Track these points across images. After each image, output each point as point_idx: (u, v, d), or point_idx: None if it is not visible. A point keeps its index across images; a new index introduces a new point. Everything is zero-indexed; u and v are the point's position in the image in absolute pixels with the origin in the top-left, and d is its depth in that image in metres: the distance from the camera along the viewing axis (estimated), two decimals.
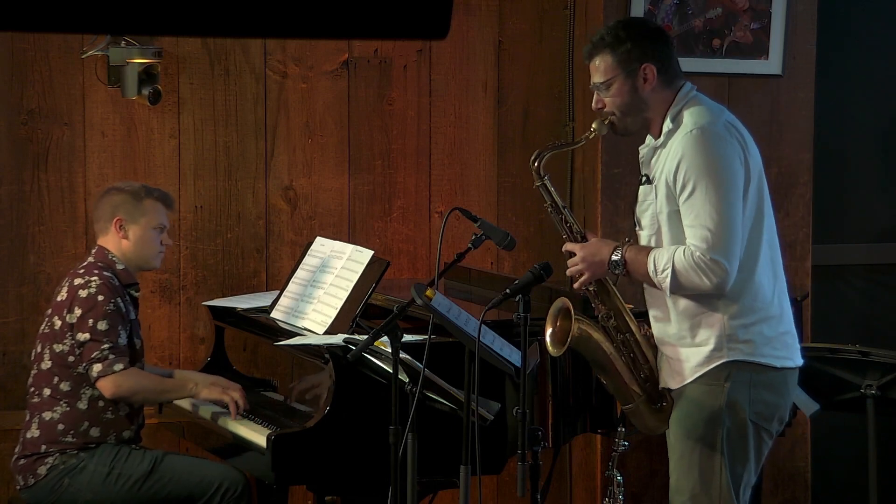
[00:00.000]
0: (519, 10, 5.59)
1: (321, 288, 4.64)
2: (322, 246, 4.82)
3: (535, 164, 3.94)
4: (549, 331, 3.86)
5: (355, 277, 4.52)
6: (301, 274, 4.79)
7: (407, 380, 3.79)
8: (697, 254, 3.71)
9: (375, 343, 3.73)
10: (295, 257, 5.12)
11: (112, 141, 5.25)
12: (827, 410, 4.87)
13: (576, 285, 3.93)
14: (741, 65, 5.46)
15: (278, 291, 4.87)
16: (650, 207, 3.88)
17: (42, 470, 4.48)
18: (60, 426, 4.50)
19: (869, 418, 4.72)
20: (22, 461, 4.53)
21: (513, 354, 3.74)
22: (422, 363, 3.67)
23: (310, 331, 4.50)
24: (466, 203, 5.41)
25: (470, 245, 3.88)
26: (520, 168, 5.63)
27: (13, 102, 5.15)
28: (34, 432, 4.52)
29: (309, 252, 4.85)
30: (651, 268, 3.78)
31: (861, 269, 6.00)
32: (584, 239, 3.93)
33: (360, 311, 4.42)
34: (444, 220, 3.93)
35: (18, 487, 4.56)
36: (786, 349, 3.88)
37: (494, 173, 5.62)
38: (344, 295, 4.51)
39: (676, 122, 3.84)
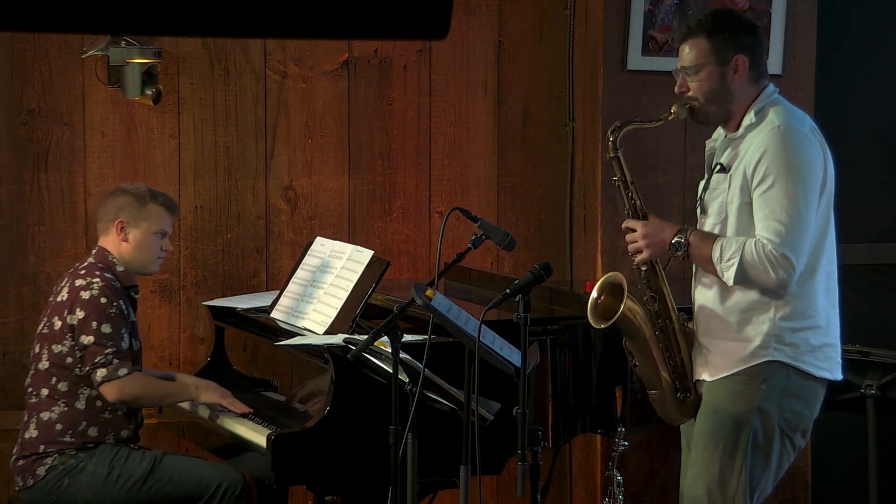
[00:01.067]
0: (519, 10, 5.59)
1: (321, 288, 4.64)
2: (322, 246, 4.82)
3: (612, 137, 3.93)
4: (592, 296, 3.86)
5: (355, 277, 4.52)
6: (301, 274, 4.79)
7: (407, 380, 3.79)
8: (769, 247, 3.72)
9: (375, 343, 3.73)
10: (295, 257, 5.12)
11: (112, 141, 5.25)
12: (827, 410, 4.86)
13: (636, 261, 3.93)
14: None
15: (278, 291, 4.87)
16: (721, 196, 3.89)
17: (41, 470, 4.48)
18: (58, 426, 4.49)
19: (869, 418, 4.72)
20: (21, 462, 4.53)
21: (513, 354, 3.74)
22: (422, 363, 3.67)
23: (310, 331, 4.50)
24: (466, 203, 5.41)
25: (470, 245, 3.88)
26: (520, 168, 5.63)
27: (13, 102, 5.15)
28: (32, 433, 4.52)
29: (309, 252, 4.85)
30: (717, 255, 3.78)
31: (861, 269, 6.00)
32: (645, 217, 3.94)
33: (360, 311, 4.42)
34: (444, 220, 3.93)
35: (18, 488, 4.56)
36: (827, 361, 3.90)
37: (494, 173, 5.62)
38: (344, 295, 4.51)
39: (760, 116, 3.85)
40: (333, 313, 4.49)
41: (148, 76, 5.13)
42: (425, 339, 3.69)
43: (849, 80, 5.89)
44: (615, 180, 3.98)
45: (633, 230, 3.91)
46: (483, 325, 3.63)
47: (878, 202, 5.98)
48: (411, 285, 3.62)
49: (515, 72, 5.61)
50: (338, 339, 4.10)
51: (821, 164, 3.82)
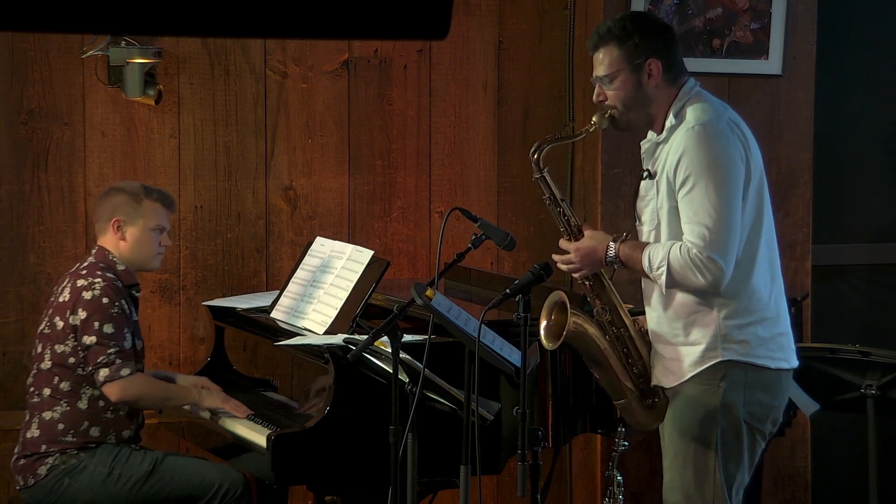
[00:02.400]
0: (519, 10, 5.59)
1: (321, 288, 4.64)
2: (322, 246, 4.82)
3: (535, 156, 3.92)
4: (543, 324, 3.84)
5: (355, 277, 4.52)
6: (301, 274, 4.79)
7: (407, 380, 3.79)
8: (694, 251, 3.69)
9: (375, 343, 3.73)
10: (295, 257, 5.12)
11: (112, 141, 5.25)
12: (827, 410, 4.86)
13: (575, 277, 3.93)
14: (741, 65, 5.46)
15: (278, 291, 4.87)
16: (651, 202, 3.87)
17: (42, 470, 4.48)
18: (60, 426, 4.49)
19: (869, 418, 4.72)
20: (22, 461, 4.53)
21: (513, 354, 3.74)
22: (422, 363, 3.67)
23: (310, 331, 4.50)
24: (466, 203, 5.40)
25: (470, 245, 3.87)
26: (520, 168, 5.62)
27: (13, 102, 5.16)
28: (34, 432, 4.52)
29: (309, 252, 4.85)
30: (646, 264, 3.76)
31: (861, 269, 6.00)
32: (580, 232, 3.92)
33: (360, 311, 4.42)
34: (444, 220, 3.93)
35: (18, 487, 4.56)
36: (781, 350, 3.88)
37: (494, 173, 5.62)
38: (344, 295, 4.51)
39: (679, 117, 3.82)
40: (333, 313, 4.49)
41: (150, 76, 5.13)
42: (425, 339, 3.69)
43: (849, 80, 5.89)
44: (545, 199, 3.97)
45: (567, 253, 3.89)
46: (483, 325, 3.63)
47: (878, 202, 5.97)
48: (411, 285, 3.62)
49: (515, 72, 5.61)
50: (338, 339, 4.10)
51: (740, 157, 3.77)
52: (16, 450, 4.58)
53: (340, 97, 5.45)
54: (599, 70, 3.88)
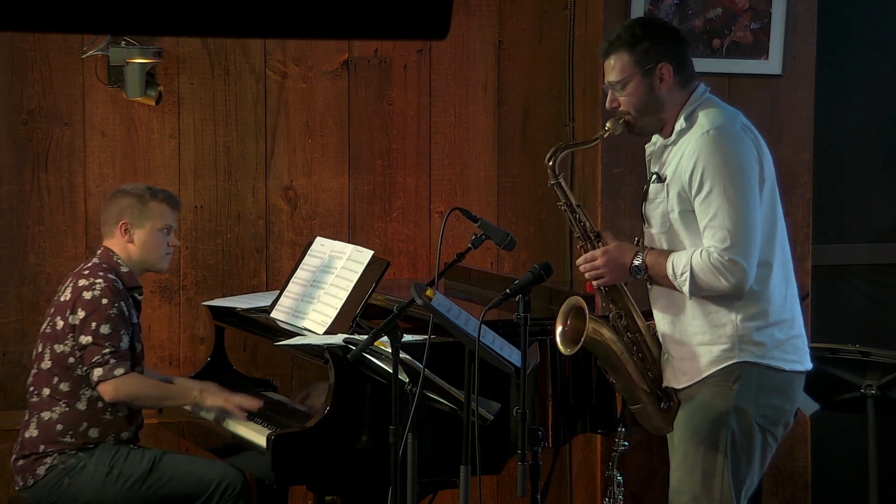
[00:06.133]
0: (519, 10, 5.59)
1: (321, 288, 4.64)
2: (322, 246, 4.82)
3: (551, 162, 3.92)
4: (559, 329, 3.85)
5: (355, 277, 4.52)
6: (301, 274, 4.79)
7: (407, 380, 3.79)
8: (716, 255, 3.70)
9: (375, 343, 3.73)
10: (295, 257, 5.12)
11: (112, 141, 5.25)
12: (827, 410, 4.86)
13: (594, 284, 3.93)
14: (741, 65, 5.46)
15: (278, 291, 4.87)
16: (661, 206, 3.86)
17: (41, 470, 4.48)
18: (59, 426, 4.49)
19: (869, 418, 4.72)
20: (21, 461, 4.53)
21: (513, 354, 3.74)
22: (422, 363, 3.67)
23: (310, 331, 4.50)
24: (466, 203, 5.40)
25: (470, 245, 3.88)
26: (520, 168, 5.63)
27: (13, 102, 5.16)
28: (33, 432, 4.52)
29: (309, 252, 4.85)
30: (670, 271, 3.77)
31: (861, 269, 6.00)
32: (598, 238, 3.92)
33: (360, 311, 4.42)
34: (444, 220, 3.93)
35: (18, 487, 4.56)
36: (796, 353, 3.88)
37: (494, 173, 5.62)
38: (344, 295, 4.51)
39: (690, 121, 3.82)
40: (333, 313, 4.49)
41: (150, 76, 5.13)
42: (425, 339, 3.69)
43: (849, 80, 5.89)
44: (560, 205, 3.97)
45: (594, 259, 3.89)
46: (483, 325, 3.63)
47: (878, 202, 5.98)
48: (411, 285, 3.62)
49: (515, 72, 5.61)
50: (338, 339, 4.10)
51: (755, 159, 3.79)
52: (15, 450, 4.58)
53: (340, 97, 5.45)
54: (611, 76, 3.88)
